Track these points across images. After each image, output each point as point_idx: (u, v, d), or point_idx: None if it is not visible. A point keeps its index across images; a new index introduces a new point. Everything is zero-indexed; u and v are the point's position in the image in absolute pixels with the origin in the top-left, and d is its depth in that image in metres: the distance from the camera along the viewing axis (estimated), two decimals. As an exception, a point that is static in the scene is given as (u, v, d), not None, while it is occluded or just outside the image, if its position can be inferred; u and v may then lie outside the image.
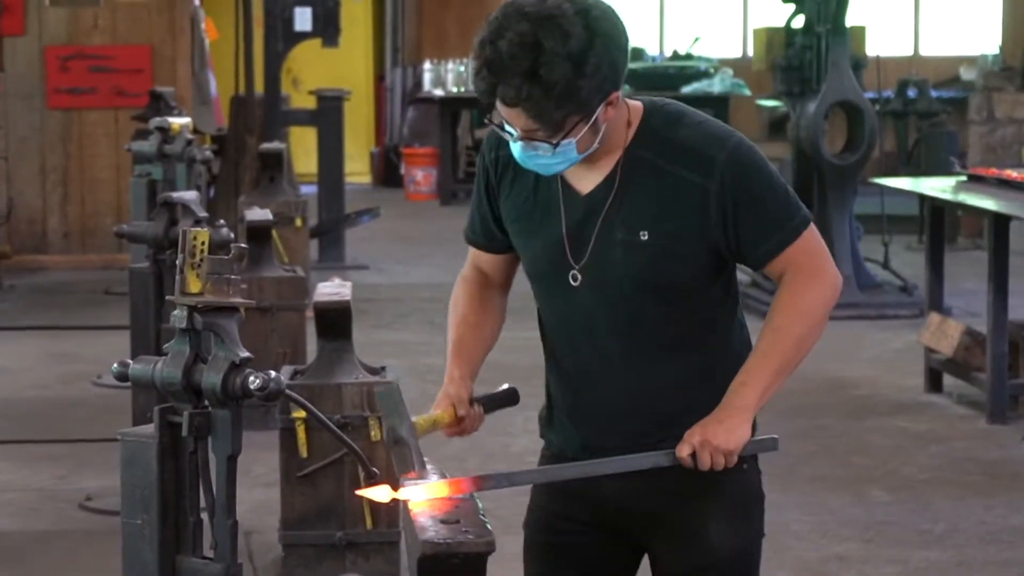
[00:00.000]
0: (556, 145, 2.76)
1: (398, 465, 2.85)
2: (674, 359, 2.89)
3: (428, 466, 2.84)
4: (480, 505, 2.72)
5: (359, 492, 2.85)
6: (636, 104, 2.87)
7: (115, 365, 2.66)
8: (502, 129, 2.80)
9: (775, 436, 2.94)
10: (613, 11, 2.77)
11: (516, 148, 2.81)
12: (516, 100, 2.70)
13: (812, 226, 2.87)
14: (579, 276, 2.86)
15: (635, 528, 2.98)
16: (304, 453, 5.13)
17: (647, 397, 2.89)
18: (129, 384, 2.68)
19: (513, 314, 3.20)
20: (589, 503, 2.96)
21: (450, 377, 2.96)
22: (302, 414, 5.04)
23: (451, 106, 15.83)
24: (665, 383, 2.89)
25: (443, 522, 2.62)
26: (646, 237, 2.82)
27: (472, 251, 3.08)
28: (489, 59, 2.69)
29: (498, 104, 2.74)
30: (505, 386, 3.04)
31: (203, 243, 2.56)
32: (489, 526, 2.62)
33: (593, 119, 2.76)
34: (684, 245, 2.82)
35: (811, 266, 2.85)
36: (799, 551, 5.44)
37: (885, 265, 10.16)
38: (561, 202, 2.88)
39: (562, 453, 2.99)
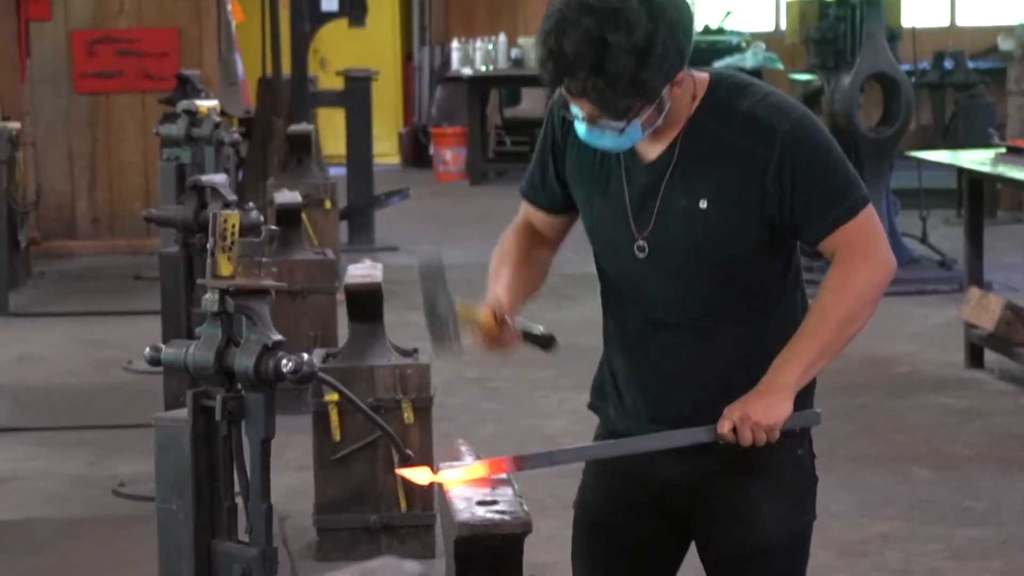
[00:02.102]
0: (622, 130, 2.75)
1: (434, 339, 2.85)
2: (734, 330, 2.87)
3: (462, 341, 2.80)
4: (516, 487, 2.69)
5: (398, 471, 2.84)
6: (702, 76, 2.85)
7: (147, 350, 2.67)
8: (567, 109, 2.79)
9: (817, 411, 2.93)
10: None
11: (581, 128, 2.81)
12: (582, 92, 2.71)
13: (870, 207, 2.84)
14: (645, 246, 2.85)
15: (688, 510, 2.95)
16: (337, 437, 5.10)
17: (707, 367, 2.87)
18: (161, 369, 2.66)
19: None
20: (643, 484, 2.94)
21: (493, 291, 2.94)
22: (335, 397, 5.01)
23: (480, 85, 15.77)
24: (725, 354, 2.87)
25: (479, 504, 2.59)
26: (705, 205, 2.81)
27: (526, 207, 3.07)
28: (554, 52, 2.69)
29: (563, 90, 2.74)
30: (544, 329, 2.97)
31: (234, 226, 2.55)
32: (526, 508, 2.59)
33: (658, 100, 2.74)
34: (742, 215, 2.80)
35: (864, 247, 2.83)
36: (841, 530, 5.37)
37: (923, 240, 10.06)
38: (624, 169, 2.87)
39: (615, 428, 2.96)
